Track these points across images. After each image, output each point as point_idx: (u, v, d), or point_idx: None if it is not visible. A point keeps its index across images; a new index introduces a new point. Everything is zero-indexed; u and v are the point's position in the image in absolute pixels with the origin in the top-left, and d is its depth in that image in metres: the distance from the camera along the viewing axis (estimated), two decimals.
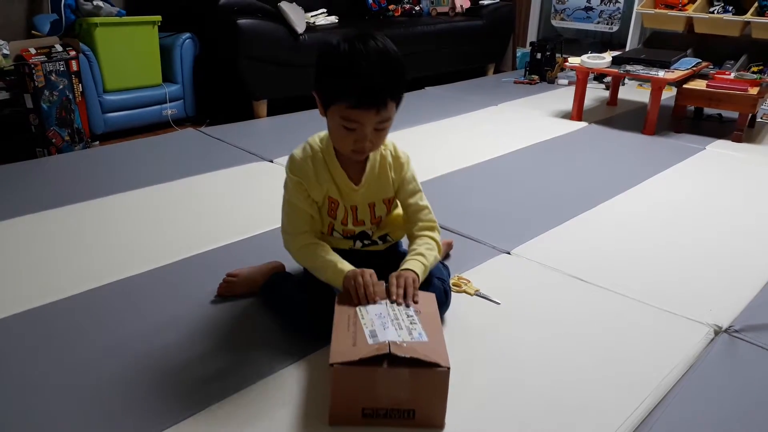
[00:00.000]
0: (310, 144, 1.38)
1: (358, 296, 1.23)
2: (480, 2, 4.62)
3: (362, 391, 1.09)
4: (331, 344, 1.12)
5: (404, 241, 1.50)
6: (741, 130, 3.00)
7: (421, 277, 1.32)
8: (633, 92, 4.04)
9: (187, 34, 3.17)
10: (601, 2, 4.60)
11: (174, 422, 1.12)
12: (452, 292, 1.51)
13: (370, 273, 1.27)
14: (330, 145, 1.35)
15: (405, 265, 1.32)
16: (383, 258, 1.45)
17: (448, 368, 1.08)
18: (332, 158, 1.35)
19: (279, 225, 1.91)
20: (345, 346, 1.10)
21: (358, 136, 1.24)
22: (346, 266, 1.30)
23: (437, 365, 1.07)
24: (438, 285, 1.41)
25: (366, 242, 1.46)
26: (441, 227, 1.91)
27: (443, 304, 1.42)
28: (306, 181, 1.34)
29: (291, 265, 1.59)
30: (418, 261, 1.33)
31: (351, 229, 1.42)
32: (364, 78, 1.17)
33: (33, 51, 2.53)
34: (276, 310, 1.46)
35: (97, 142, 2.84)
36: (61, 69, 2.59)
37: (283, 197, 1.40)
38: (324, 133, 1.37)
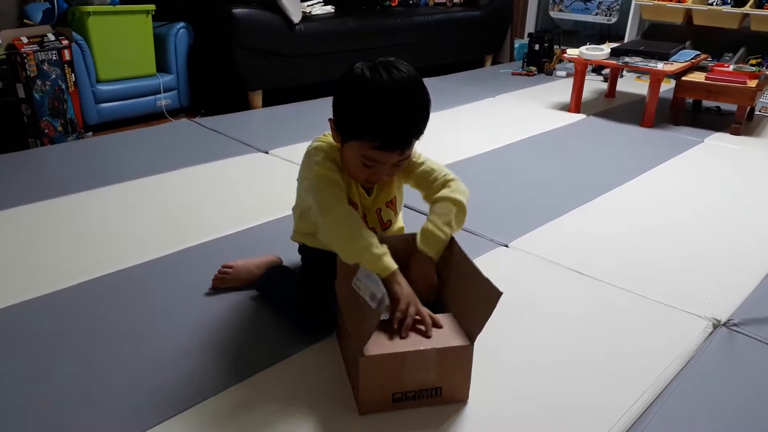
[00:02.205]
0: (326, 153, 1.27)
1: (396, 321, 1.13)
2: None
3: (391, 378, 1.11)
4: (351, 335, 1.12)
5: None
6: (739, 123, 2.99)
7: (436, 256, 1.26)
8: (631, 84, 4.02)
9: (182, 24, 3.13)
10: None
11: (167, 417, 1.11)
12: None
13: (416, 307, 1.15)
14: (336, 152, 1.29)
15: (421, 246, 1.25)
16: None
17: (471, 344, 1.12)
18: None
19: (275, 217, 1.92)
20: (367, 336, 1.08)
21: (375, 172, 1.21)
22: (390, 261, 1.18)
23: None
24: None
25: None
26: None
27: None
28: (337, 171, 1.26)
29: (288, 258, 1.58)
30: (434, 239, 1.25)
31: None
32: (391, 122, 1.13)
33: (25, 40, 2.49)
34: (273, 304, 1.45)
35: (90, 133, 2.81)
36: (54, 58, 2.56)
37: (307, 183, 1.28)
38: (328, 137, 1.30)
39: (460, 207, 1.30)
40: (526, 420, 1.14)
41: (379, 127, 1.14)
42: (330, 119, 1.24)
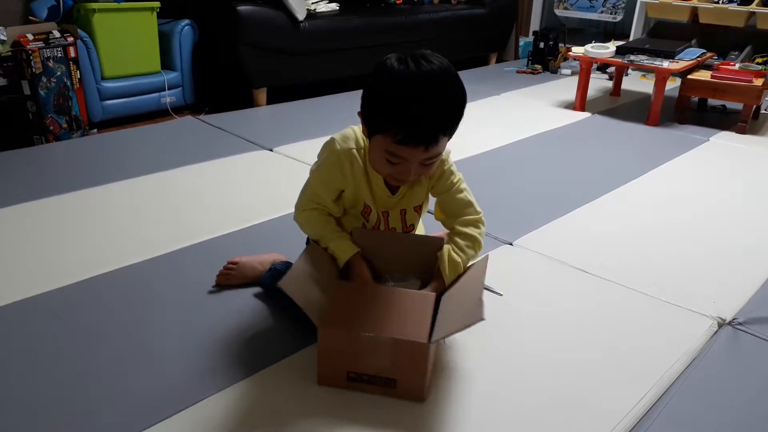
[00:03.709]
0: (356, 136, 1.25)
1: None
2: None
3: (346, 355, 1.14)
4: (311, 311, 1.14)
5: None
6: (745, 122, 2.98)
7: (450, 280, 1.26)
8: (636, 83, 4.01)
9: (186, 21, 3.13)
10: None
11: (171, 413, 1.11)
12: None
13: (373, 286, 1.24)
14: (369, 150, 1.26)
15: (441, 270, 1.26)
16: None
17: (427, 343, 1.10)
18: (370, 165, 1.26)
19: (279, 215, 1.92)
20: (338, 313, 1.15)
21: (401, 170, 1.16)
22: (349, 246, 1.26)
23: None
24: None
25: None
26: None
27: None
28: (340, 175, 1.25)
29: (292, 256, 1.57)
30: (452, 261, 1.26)
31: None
32: (414, 113, 1.07)
33: (30, 37, 2.50)
34: (277, 301, 1.44)
35: (95, 130, 2.81)
36: (59, 55, 2.56)
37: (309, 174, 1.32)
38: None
39: (477, 248, 1.32)
40: (529, 417, 1.13)
41: (400, 119, 1.08)
42: (359, 112, 1.19)
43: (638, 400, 1.18)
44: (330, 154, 1.26)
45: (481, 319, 1.02)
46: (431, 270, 1.31)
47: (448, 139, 1.17)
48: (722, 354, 1.34)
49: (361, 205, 1.32)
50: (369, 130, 1.17)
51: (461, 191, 1.33)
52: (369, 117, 1.16)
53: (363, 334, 1.12)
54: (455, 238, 1.30)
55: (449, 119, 1.12)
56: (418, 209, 1.37)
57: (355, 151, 1.25)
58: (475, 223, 1.32)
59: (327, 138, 1.30)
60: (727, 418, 1.16)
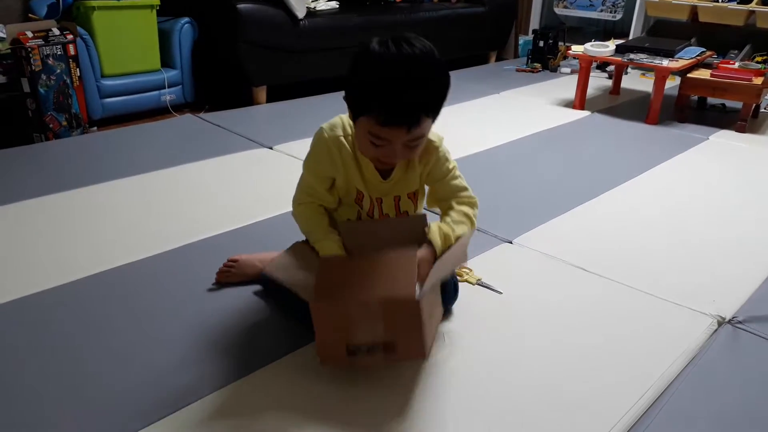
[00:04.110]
0: (343, 124, 1.26)
1: None
2: None
3: (341, 329, 1.13)
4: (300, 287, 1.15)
5: None
6: (745, 120, 2.98)
7: (441, 248, 1.23)
8: (636, 81, 4.00)
9: (186, 19, 3.13)
10: None
11: (171, 411, 1.11)
12: None
13: None
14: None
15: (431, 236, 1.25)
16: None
17: (415, 297, 1.09)
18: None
19: (278, 212, 1.92)
20: (326, 288, 1.14)
21: (385, 152, 1.15)
22: (335, 246, 1.24)
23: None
24: (448, 279, 1.38)
25: None
26: (437, 214, 1.90)
27: (452, 297, 1.42)
28: (329, 164, 1.26)
29: None
30: (442, 231, 1.24)
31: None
32: (395, 94, 1.06)
33: (30, 34, 2.49)
34: (277, 299, 1.45)
35: (95, 128, 2.81)
36: (59, 53, 2.56)
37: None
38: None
39: (471, 226, 1.31)
40: (529, 416, 1.14)
41: (382, 100, 1.08)
42: (344, 96, 1.19)
43: (638, 399, 1.18)
44: (318, 142, 1.28)
45: (464, 260, 1.07)
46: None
47: (432, 121, 1.16)
48: (722, 352, 1.34)
49: (354, 192, 1.31)
50: (353, 113, 1.17)
51: (456, 177, 1.33)
52: (353, 100, 1.16)
53: (353, 301, 1.12)
54: (448, 212, 1.30)
55: (431, 100, 1.12)
56: (412, 196, 1.35)
57: (342, 138, 1.25)
58: (470, 204, 1.33)
59: None
60: (727, 417, 1.16)
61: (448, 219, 1.28)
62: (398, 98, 1.07)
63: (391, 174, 1.29)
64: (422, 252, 1.21)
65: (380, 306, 1.11)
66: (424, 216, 1.32)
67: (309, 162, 1.31)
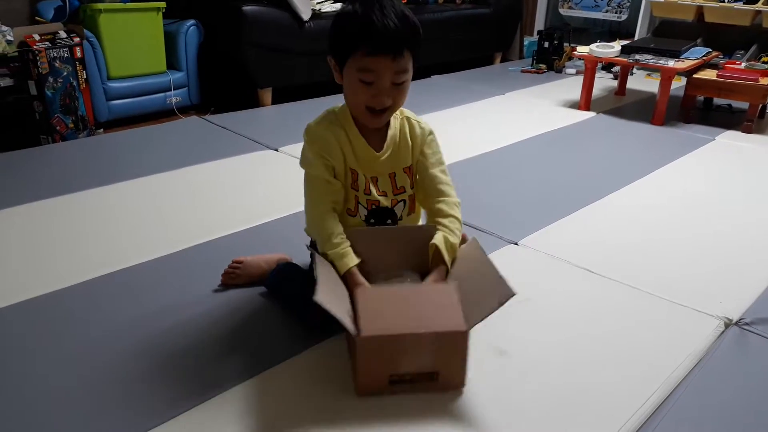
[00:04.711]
0: (326, 113, 1.34)
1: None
2: None
3: (389, 360, 1.13)
4: (345, 320, 1.12)
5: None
6: (751, 121, 2.97)
7: (449, 261, 1.30)
8: (641, 82, 3.99)
9: (192, 21, 3.14)
10: None
11: (176, 413, 1.12)
12: None
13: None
14: (347, 113, 1.31)
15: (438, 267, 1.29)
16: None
17: (467, 330, 1.12)
18: (351, 125, 1.30)
19: (284, 214, 1.92)
20: (370, 319, 1.12)
21: (375, 90, 1.22)
22: (352, 259, 1.25)
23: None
24: None
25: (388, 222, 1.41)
26: None
27: None
28: (326, 149, 1.28)
29: (297, 255, 1.58)
30: (449, 242, 1.29)
31: (375, 198, 1.34)
32: (380, 23, 1.17)
33: (37, 37, 2.51)
34: (282, 301, 1.45)
35: (101, 130, 2.82)
36: (65, 55, 2.57)
37: (303, 178, 1.34)
38: (340, 104, 1.34)
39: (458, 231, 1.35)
40: (536, 418, 1.13)
41: (367, 30, 1.17)
42: (329, 59, 1.27)
43: (645, 400, 1.17)
44: (311, 134, 1.32)
45: (512, 294, 1.08)
46: (426, 260, 1.32)
47: (413, 61, 1.24)
48: (729, 354, 1.34)
49: (349, 175, 1.31)
50: (340, 60, 1.24)
51: (445, 172, 1.38)
52: (337, 47, 1.24)
53: (404, 334, 1.11)
54: (445, 221, 1.32)
55: (409, 33, 1.21)
56: (408, 171, 1.37)
57: (327, 122, 1.31)
58: (458, 206, 1.37)
59: None
60: (734, 419, 1.15)
61: (448, 230, 1.31)
62: (382, 25, 1.17)
63: (384, 146, 1.32)
64: (434, 275, 1.27)
65: (431, 338, 1.11)
66: (432, 227, 1.32)
67: (310, 157, 1.30)
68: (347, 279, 1.24)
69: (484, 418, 1.12)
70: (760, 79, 2.90)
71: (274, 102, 3.31)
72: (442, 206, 1.33)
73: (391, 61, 1.19)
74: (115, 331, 1.35)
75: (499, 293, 1.10)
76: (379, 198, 1.34)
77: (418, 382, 1.15)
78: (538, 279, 1.62)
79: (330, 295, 1.13)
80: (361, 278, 1.24)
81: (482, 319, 1.13)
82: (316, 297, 1.07)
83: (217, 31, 3.20)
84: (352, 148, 1.31)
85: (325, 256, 1.27)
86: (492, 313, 1.11)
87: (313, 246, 1.46)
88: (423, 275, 1.31)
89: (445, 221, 1.31)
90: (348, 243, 1.26)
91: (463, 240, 1.36)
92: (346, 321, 1.10)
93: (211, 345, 1.31)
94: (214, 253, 1.67)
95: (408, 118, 1.37)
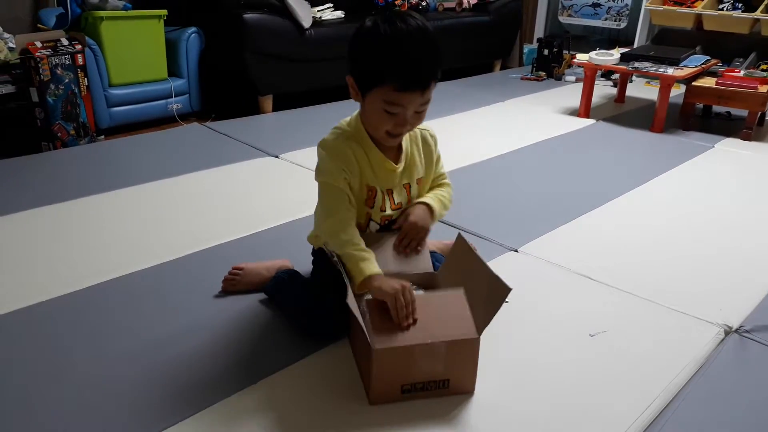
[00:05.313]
0: (340, 128, 1.32)
1: (398, 315, 1.14)
2: None
3: (402, 370, 1.14)
4: (367, 330, 1.13)
5: None
6: (750, 128, 2.98)
7: (436, 215, 1.38)
8: (641, 89, 4.01)
9: (193, 29, 3.16)
10: None
11: (178, 420, 1.12)
12: None
13: (410, 290, 1.17)
14: (360, 128, 1.30)
15: (421, 199, 1.38)
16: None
17: (478, 336, 1.15)
18: (366, 141, 1.30)
19: (285, 221, 1.93)
20: (381, 330, 1.13)
21: (398, 120, 1.22)
22: (374, 267, 1.22)
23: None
24: None
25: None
26: (448, 224, 1.91)
27: None
28: (347, 164, 1.27)
29: (298, 262, 1.58)
30: (435, 198, 1.39)
31: (389, 214, 1.37)
32: (412, 60, 1.15)
33: (39, 44, 2.52)
34: (282, 308, 1.45)
35: (103, 137, 2.83)
36: (67, 63, 2.59)
37: (320, 189, 1.32)
38: (349, 118, 1.33)
39: (449, 203, 1.45)
40: (535, 426, 1.13)
41: (401, 67, 1.15)
42: (348, 76, 1.25)
43: (645, 408, 1.17)
44: (330, 149, 1.30)
45: (509, 290, 1.10)
46: (431, 275, 1.36)
47: (434, 87, 1.24)
48: (729, 362, 1.34)
49: (365, 192, 1.32)
50: (363, 88, 1.23)
51: (441, 164, 1.48)
52: (364, 74, 1.22)
53: (418, 344, 1.12)
54: (432, 190, 1.43)
55: (436, 64, 1.21)
56: (420, 182, 1.40)
57: (344, 137, 1.30)
58: (448, 185, 1.47)
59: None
60: (734, 427, 1.15)
61: (434, 193, 1.42)
62: (416, 64, 1.16)
63: (401, 157, 1.34)
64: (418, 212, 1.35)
65: (444, 346, 1.13)
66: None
67: (332, 169, 1.28)
68: (367, 282, 1.20)
69: (482, 426, 1.12)
70: (758, 86, 2.91)
71: (275, 109, 3.32)
72: (434, 188, 1.45)
73: (419, 95, 1.19)
74: (114, 337, 1.35)
75: (498, 292, 1.12)
76: (393, 214, 1.37)
77: (429, 390, 1.16)
78: (538, 286, 1.62)
79: (354, 302, 1.15)
80: (375, 269, 1.22)
81: (489, 322, 1.14)
82: (348, 300, 1.11)
83: (218, 38, 3.21)
84: (369, 162, 1.30)
85: (344, 257, 1.25)
86: (494, 315, 1.13)
87: (320, 252, 1.46)
88: (425, 278, 1.33)
89: (436, 189, 1.43)
90: (368, 252, 1.24)
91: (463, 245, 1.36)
92: (369, 331, 1.12)
93: (211, 352, 1.31)
94: (215, 260, 1.67)
95: (416, 128, 1.36)
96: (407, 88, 1.17)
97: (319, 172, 1.30)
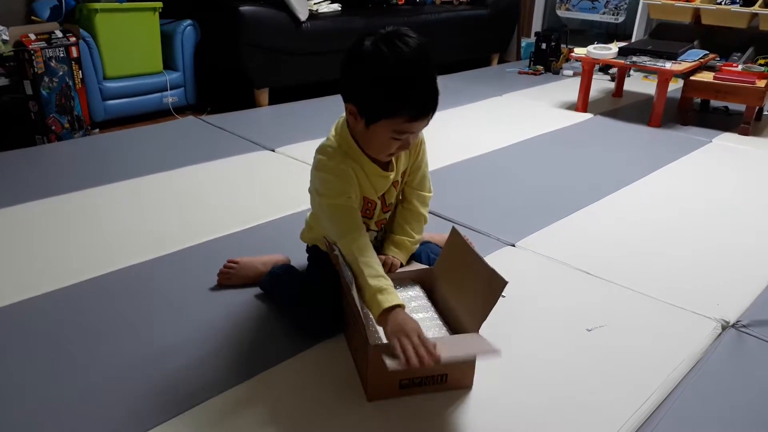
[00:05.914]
0: (331, 146, 1.27)
1: (406, 356, 1.03)
2: None
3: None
4: (366, 326, 1.12)
5: None
6: (748, 123, 2.97)
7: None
8: (639, 84, 4.00)
9: (189, 21, 3.13)
10: None
11: (173, 414, 1.11)
12: None
13: (420, 334, 1.07)
14: (351, 143, 1.26)
15: (394, 253, 1.38)
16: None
17: (477, 333, 1.15)
18: (360, 156, 1.26)
19: (281, 215, 1.92)
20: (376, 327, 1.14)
21: (403, 144, 1.21)
22: (391, 298, 1.13)
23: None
24: None
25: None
26: (444, 218, 1.90)
27: None
28: (350, 183, 1.25)
29: (294, 257, 1.57)
30: (403, 251, 1.39)
31: (383, 218, 1.40)
32: (425, 91, 1.15)
33: (33, 37, 2.50)
34: (278, 302, 1.44)
35: (97, 130, 2.81)
36: (61, 55, 2.56)
37: (319, 205, 1.29)
38: (333, 130, 1.30)
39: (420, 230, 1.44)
40: (533, 420, 1.13)
41: (415, 100, 1.14)
42: (348, 106, 1.19)
43: (642, 403, 1.17)
44: (329, 168, 1.25)
45: (506, 282, 1.09)
46: (427, 270, 1.37)
47: None
48: (726, 356, 1.33)
49: (363, 202, 1.33)
50: (371, 117, 1.17)
51: (426, 163, 1.44)
52: (372, 107, 1.17)
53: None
54: (409, 224, 1.41)
55: (437, 84, 1.19)
56: (403, 175, 1.40)
57: (340, 156, 1.26)
58: (428, 202, 1.45)
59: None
60: (732, 421, 1.15)
61: (407, 235, 1.40)
62: (429, 94, 1.16)
63: (390, 163, 1.33)
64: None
65: (442, 340, 1.12)
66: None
67: (339, 189, 1.24)
68: (382, 318, 1.12)
69: (479, 420, 1.12)
70: (756, 81, 2.90)
71: (271, 102, 3.30)
72: (415, 201, 1.42)
73: (426, 122, 1.19)
74: (109, 332, 1.34)
75: (495, 286, 1.11)
76: (385, 216, 1.39)
77: (427, 385, 1.16)
78: (536, 281, 1.61)
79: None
80: (392, 300, 1.14)
81: (486, 317, 1.14)
82: (348, 296, 1.12)
83: (213, 31, 3.19)
84: (366, 176, 1.29)
85: (361, 282, 1.18)
86: (492, 308, 1.12)
87: (314, 249, 1.46)
88: (422, 274, 1.35)
89: (412, 221, 1.41)
90: (387, 278, 1.18)
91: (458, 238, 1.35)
92: (367, 327, 1.12)
93: (206, 347, 1.30)
94: (211, 254, 1.66)
95: None
96: (421, 116, 1.17)
97: (326, 195, 1.25)
